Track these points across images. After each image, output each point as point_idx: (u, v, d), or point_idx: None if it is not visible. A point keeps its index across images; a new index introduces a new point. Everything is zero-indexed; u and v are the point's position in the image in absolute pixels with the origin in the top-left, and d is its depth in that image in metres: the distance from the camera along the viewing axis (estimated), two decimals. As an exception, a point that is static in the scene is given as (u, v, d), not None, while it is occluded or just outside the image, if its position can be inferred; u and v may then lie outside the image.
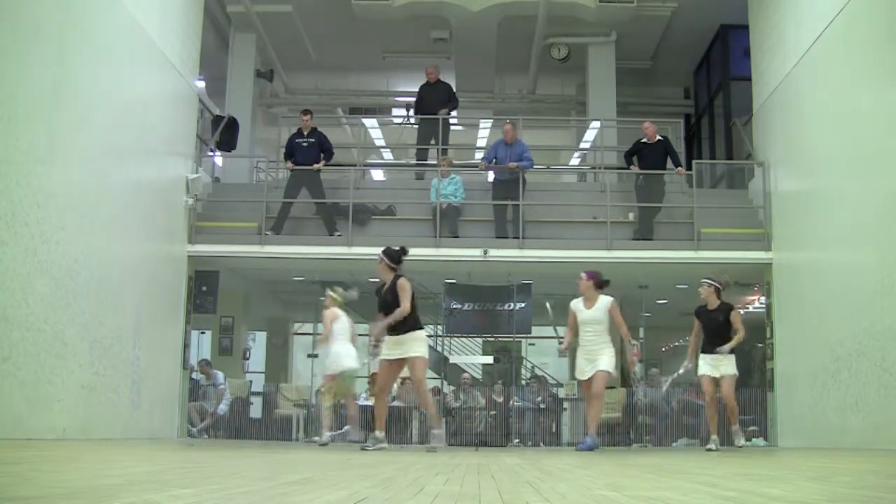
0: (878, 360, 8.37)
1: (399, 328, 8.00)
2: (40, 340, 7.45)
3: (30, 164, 7.31)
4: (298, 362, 18.25)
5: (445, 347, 15.37)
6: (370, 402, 10.84)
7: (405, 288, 7.97)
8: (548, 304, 14.67)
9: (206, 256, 11.97)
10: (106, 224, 8.95)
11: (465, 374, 14.33)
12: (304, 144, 12.25)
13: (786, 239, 11.40)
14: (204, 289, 12.21)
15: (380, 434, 8.11)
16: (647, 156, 12.33)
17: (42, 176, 7.50)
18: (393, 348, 8.06)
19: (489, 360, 16.21)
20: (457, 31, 15.05)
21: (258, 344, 16.99)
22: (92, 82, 8.64)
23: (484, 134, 17.73)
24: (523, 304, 13.20)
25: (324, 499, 2.69)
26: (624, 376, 12.90)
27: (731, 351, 8.81)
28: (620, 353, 9.54)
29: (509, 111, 16.62)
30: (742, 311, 9.32)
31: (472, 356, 16.43)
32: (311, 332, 18.05)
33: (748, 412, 11.55)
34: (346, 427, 12.06)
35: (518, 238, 11.90)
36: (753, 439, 11.49)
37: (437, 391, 13.45)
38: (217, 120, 12.95)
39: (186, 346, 11.71)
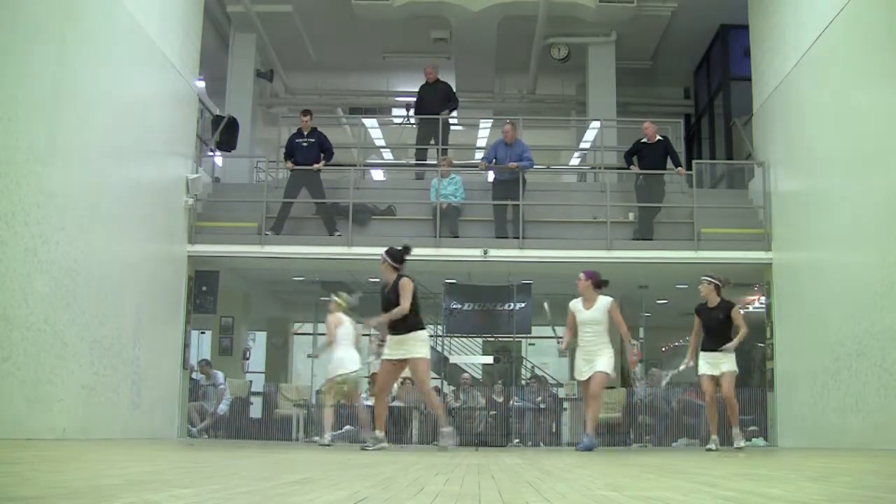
0: (878, 360, 8.37)
1: (401, 328, 8.01)
2: (40, 340, 7.45)
3: (30, 164, 7.31)
4: (298, 362, 18.24)
5: (445, 347, 15.37)
6: (370, 402, 10.83)
7: (406, 287, 7.98)
8: (545, 305, 14.66)
9: (206, 256, 11.98)
10: (106, 224, 8.95)
11: (465, 374, 14.34)
12: (304, 144, 12.25)
13: (786, 239, 11.40)
14: (204, 289, 12.21)
15: (380, 434, 8.12)
16: (647, 156, 12.33)
17: (42, 176, 7.50)
18: (395, 349, 8.06)
19: (489, 360, 16.21)
20: (457, 31, 15.05)
21: (258, 344, 16.99)
22: (92, 82, 8.64)
23: (484, 134, 17.73)
24: (523, 304, 13.20)
25: (324, 499, 2.69)
26: (624, 376, 12.90)
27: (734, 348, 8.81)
28: (620, 353, 9.54)
29: (509, 111, 16.63)
30: (742, 311, 9.29)
31: (472, 356, 16.44)
32: (312, 332, 18.07)
33: (748, 412, 11.55)
34: (346, 427, 12.08)
35: (518, 238, 11.90)
36: (753, 439, 11.50)
37: (437, 391, 13.44)
38: (217, 120, 12.95)
39: (186, 346, 11.71)
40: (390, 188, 14.48)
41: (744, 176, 13.57)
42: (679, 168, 12.37)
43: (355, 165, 13.79)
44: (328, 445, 9.23)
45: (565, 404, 13.78)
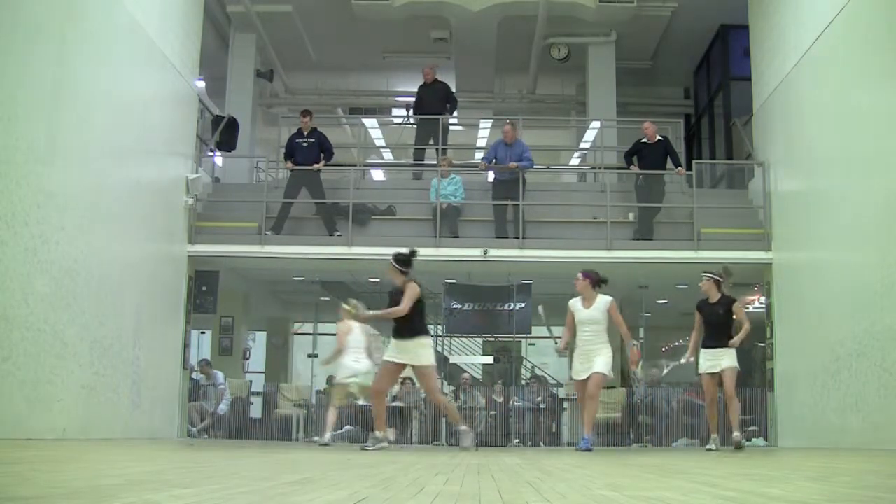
0: (878, 360, 8.37)
1: (405, 333, 8.03)
2: (40, 340, 7.45)
3: (30, 164, 7.31)
4: (298, 362, 18.26)
5: (445, 347, 15.37)
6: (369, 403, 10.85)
7: (408, 290, 8.01)
8: (539, 308, 14.53)
9: (206, 256, 11.97)
10: (106, 224, 8.95)
11: (465, 374, 14.34)
12: (304, 144, 12.25)
13: (786, 239, 11.39)
14: (204, 289, 12.21)
15: (379, 434, 8.13)
16: (647, 156, 12.32)
17: (42, 176, 7.50)
18: (399, 353, 8.08)
19: (489, 360, 16.21)
20: (457, 31, 15.05)
21: (258, 344, 16.99)
22: (92, 82, 8.64)
23: (484, 134, 17.73)
24: (523, 304, 13.19)
25: (324, 499, 2.69)
26: (624, 376, 12.89)
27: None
28: (620, 353, 9.52)
29: (509, 111, 16.62)
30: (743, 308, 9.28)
31: (472, 356, 16.44)
32: (311, 332, 18.08)
33: (748, 412, 11.54)
34: (346, 427, 12.09)
35: (518, 238, 11.90)
36: (753, 439, 11.49)
37: (437, 391, 13.45)
38: (217, 120, 12.95)
39: (186, 346, 11.70)
40: (390, 188, 14.48)
41: (744, 176, 13.57)
42: (679, 168, 12.37)
43: (355, 165, 13.78)
44: (327, 445, 9.24)
45: (565, 404, 13.78)
